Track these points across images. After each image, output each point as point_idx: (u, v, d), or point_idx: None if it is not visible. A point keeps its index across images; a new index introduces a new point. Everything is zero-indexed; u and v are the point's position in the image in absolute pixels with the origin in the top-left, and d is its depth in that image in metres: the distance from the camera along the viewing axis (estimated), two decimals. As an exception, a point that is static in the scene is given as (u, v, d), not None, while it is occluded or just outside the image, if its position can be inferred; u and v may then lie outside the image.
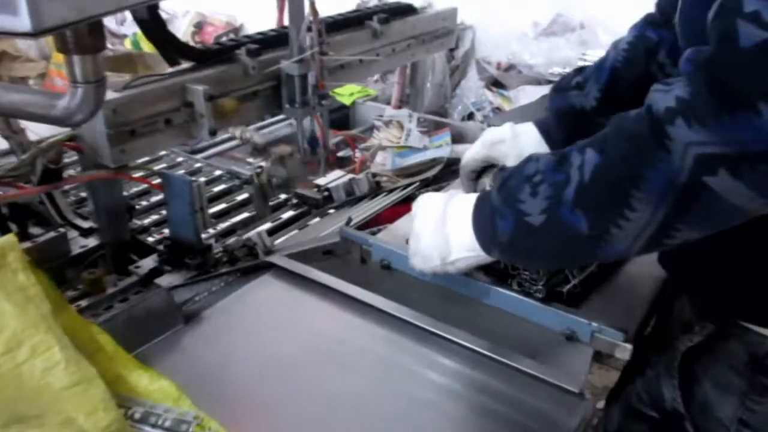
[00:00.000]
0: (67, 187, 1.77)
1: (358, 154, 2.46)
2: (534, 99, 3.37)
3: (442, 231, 0.92)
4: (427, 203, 1.01)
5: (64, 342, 0.75)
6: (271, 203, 1.86)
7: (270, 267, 1.19)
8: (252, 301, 1.02)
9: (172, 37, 1.46)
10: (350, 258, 1.20)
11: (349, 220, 1.29)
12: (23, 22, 0.76)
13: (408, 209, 1.50)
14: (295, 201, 1.85)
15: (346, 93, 2.78)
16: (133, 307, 0.91)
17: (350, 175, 1.96)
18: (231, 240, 1.42)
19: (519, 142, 1.19)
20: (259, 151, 1.66)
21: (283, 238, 1.62)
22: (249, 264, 1.15)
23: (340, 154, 2.62)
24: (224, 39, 1.74)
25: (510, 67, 3.64)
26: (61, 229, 1.51)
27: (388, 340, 0.98)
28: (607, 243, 0.73)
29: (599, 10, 3.64)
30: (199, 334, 0.95)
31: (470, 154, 1.29)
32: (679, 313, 1.13)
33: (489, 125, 3.07)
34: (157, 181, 1.48)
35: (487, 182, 1.28)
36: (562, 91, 1.24)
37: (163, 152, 2.07)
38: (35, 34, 0.76)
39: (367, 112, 2.73)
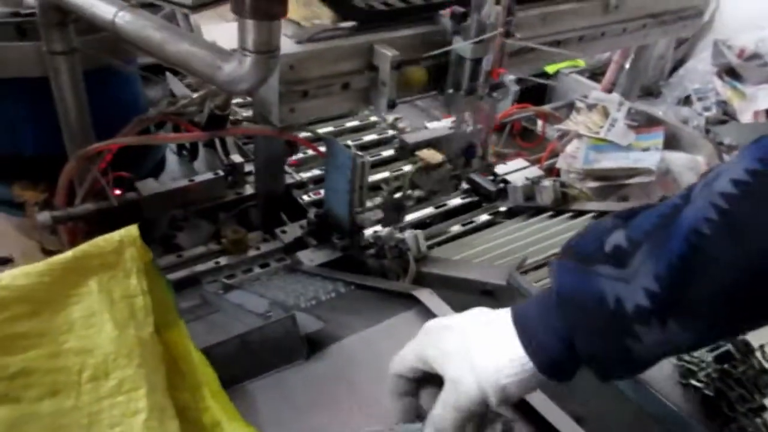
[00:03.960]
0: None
1: (548, 135, 2.18)
2: (777, 104, 2.78)
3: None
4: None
5: (153, 383, 0.65)
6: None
7: (413, 297, 0.98)
8: (387, 347, 0.84)
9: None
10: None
11: (523, 260, 1.06)
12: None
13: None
14: (465, 186, 1.64)
15: (550, 59, 2.44)
16: (250, 332, 0.79)
17: (533, 169, 1.70)
18: (384, 231, 1.26)
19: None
20: (404, 151, 1.43)
21: (442, 237, 1.44)
22: (392, 289, 0.99)
23: (529, 126, 2.35)
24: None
25: (753, 56, 3.02)
26: (220, 172, 1.44)
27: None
28: None
29: None
30: (319, 376, 0.80)
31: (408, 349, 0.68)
32: None
33: (712, 135, 2.58)
34: (323, 147, 1.34)
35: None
36: (584, 260, 0.59)
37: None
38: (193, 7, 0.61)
39: (570, 86, 2.39)
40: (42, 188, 1.51)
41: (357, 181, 1.26)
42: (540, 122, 2.34)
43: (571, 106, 2.27)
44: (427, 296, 0.91)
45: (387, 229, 1.26)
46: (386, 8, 1.31)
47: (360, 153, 1.25)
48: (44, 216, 1.28)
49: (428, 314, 0.90)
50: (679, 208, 0.55)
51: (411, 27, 1.33)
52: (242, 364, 0.79)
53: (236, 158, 1.52)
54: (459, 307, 0.97)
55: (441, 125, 1.71)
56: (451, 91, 1.35)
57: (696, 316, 0.54)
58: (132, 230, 0.72)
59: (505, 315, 0.64)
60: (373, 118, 1.90)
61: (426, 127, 1.68)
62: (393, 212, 1.31)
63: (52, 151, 1.33)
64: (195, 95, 1.26)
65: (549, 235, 1.24)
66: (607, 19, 1.68)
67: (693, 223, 0.52)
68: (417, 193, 1.33)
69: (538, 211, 1.42)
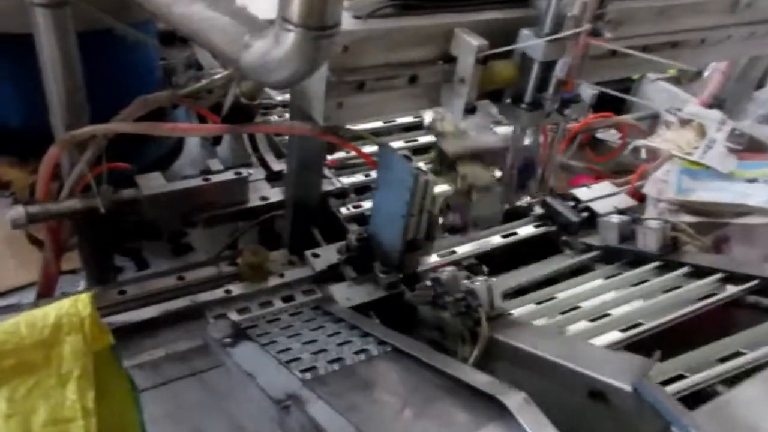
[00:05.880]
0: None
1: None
2: None
3: None
4: None
5: None
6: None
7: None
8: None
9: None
10: (638, 424, 0.69)
11: (656, 358, 0.74)
12: None
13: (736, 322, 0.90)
14: (539, 211, 1.33)
15: (636, 61, 2.11)
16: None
17: (623, 197, 1.39)
18: (446, 274, 0.97)
19: None
20: (444, 163, 1.10)
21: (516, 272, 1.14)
22: (461, 378, 0.69)
23: (600, 135, 2.04)
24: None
25: None
26: (242, 172, 1.15)
27: None
28: None
29: None
30: None
31: None
32: None
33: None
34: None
35: None
36: None
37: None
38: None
39: (656, 95, 2.06)
40: (32, 168, 1.26)
41: (417, 205, 0.97)
42: (613, 132, 2.04)
43: (655, 118, 1.95)
44: (520, 405, 0.62)
45: (449, 271, 0.97)
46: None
47: (424, 169, 0.96)
48: (17, 212, 1.02)
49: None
50: None
51: (501, 9, 1.03)
52: None
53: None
54: (551, 403, 0.69)
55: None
56: (509, 101, 1.02)
57: None
58: (81, 303, 0.44)
59: None
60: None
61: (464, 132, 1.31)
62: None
63: (45, 126, 1.06)
64: (221, 74, 0.97)
65: (667, 302, 0.93)
66: (734, 19, 1.35)
67: None
68: (451, 218, 1.02)
69: (638, 258, 1.11)
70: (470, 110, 0.99)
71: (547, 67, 0.99)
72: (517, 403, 0.63)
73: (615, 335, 0.86)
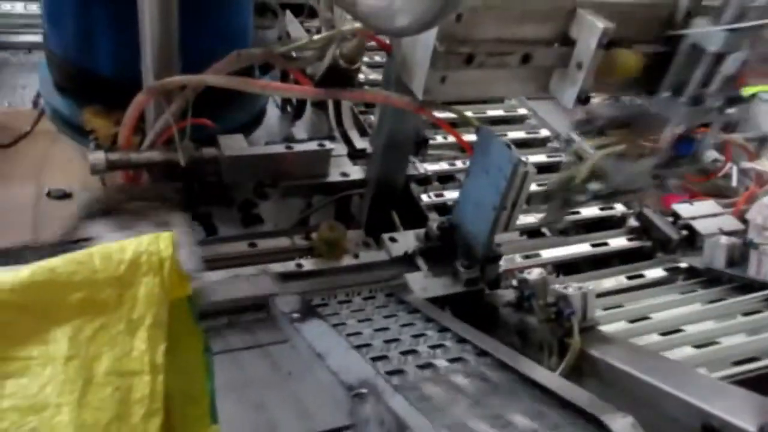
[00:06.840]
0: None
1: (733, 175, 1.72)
2: None
3: None
4: None
5: None
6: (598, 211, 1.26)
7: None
8: None
9: None
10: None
11: None
12: None
13: None
14: (634, 223, 1.23)
15: (749, 78, 1.95)
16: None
17: (729, 219, 1.26)
18: (533, 272, 0.89)
19: None
20: (593, 125, 1.05)
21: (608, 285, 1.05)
22: (556, 392, 0.60)
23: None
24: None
25: None
26: (326, 144, 1.10)
27: None
28: None
29: None
30: None
31: None
32: None
33: None
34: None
35: None
36: None
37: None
38: None
39: (765, 115, 1.90)
40: (116, 119, 1.24)
41: (512, 196, 0.89)
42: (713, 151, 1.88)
43: (763, 141, 1.80)
44: (627, 430, 0.54)
45: (538, 272, 0.88)
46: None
47: (524, 159, 0.88)
48: (98, 157, 0.99)
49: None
50: None
51: (630, -7, 0.93)
52: None
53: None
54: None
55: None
56: (668, 94, 0.94)
57: None
58: (163, 241, 0.39)
59: None
60: (522, 111, 1.51)
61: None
62: (557, 206, 0.97)
63: (135, 76, 1.04)
64: (317, 36, 0.91)
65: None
66: None
67: None
68: (596, 186, 0.95)
69: (747, 285, 1.00)
70: (584, 100, 0.91)
71: (718, 60, 0.91)
72: (624, 428, 0.54)
73: (726, 367, 0.76)
